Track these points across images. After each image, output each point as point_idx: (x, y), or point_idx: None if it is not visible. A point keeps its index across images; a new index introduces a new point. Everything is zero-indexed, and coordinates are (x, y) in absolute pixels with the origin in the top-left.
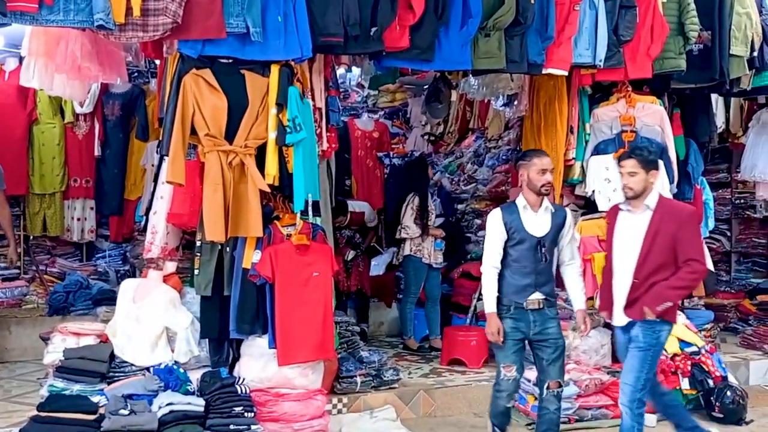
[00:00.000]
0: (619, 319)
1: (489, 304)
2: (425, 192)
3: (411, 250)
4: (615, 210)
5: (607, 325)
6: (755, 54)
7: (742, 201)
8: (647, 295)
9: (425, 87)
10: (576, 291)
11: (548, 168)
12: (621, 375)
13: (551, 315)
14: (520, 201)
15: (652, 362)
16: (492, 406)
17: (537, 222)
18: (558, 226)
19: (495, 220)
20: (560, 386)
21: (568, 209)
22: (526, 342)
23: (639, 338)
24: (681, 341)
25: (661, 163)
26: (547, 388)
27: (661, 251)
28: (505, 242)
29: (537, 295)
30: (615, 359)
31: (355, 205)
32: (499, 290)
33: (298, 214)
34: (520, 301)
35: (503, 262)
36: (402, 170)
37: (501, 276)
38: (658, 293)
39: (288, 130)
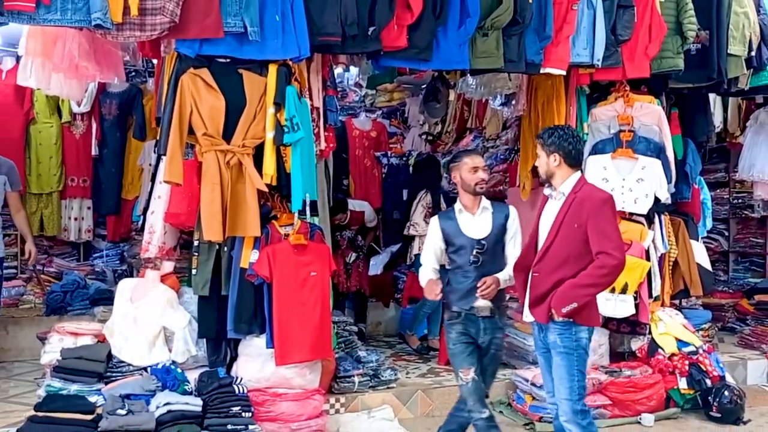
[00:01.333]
0: (529, 314)
1: (424, 279)
2: (438, 189)
3: (419, 249)
4: (544, 197)
5: (605, 325)
6: (753, 53)
7: (740, 200)
8: (554, 295)
9: (423, 86)
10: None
11: (480, 165)
12: (555, 391)
13: (500, 325)
14: (457, 205)
15: (580, 367)
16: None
17: (475, 224)
18: (501, 226)
19: (433, 227)
20: (486, 396)
21: (511, 207)
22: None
23: (557, 344)
24: (679, 341)
25: (656, 161)
26: None
27: (566, 243)
28: (447, 249)
29: (484, 302)
30: (613, 359)
31: (355, 204)
32: (446, 297)
33: (296, 214)
34: (467, 307)
35: (449, 268)
36: (414, 168)
37: (447, 282)
38: (562, 293)
39: (286, 129)
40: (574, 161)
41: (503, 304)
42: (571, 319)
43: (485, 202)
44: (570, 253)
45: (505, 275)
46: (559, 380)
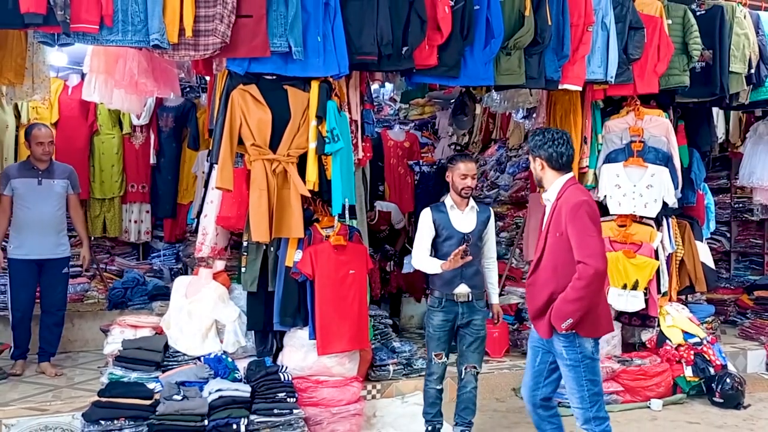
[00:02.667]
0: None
1: (436, 266)
2: None
3: None
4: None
5: (618, 318)
6: (752, 71)
7: (740, 205)
8: (551, 311)
9: (452, 101)
10: (491, 286)
11: (469, 173)
12: (569, 399)
13: (479, 307)
14: (448, 201)
15: (589, 377)
16: (425, 395)
17: (463, 220)
18: (483, 224)
19: (425, 218)
20: (476, 369)
21: (491, 209)
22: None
23: (563, 356)
24: (685, 333)
25: (665, 169)
26: (465, 369)
27: (553, 252)
28: (435, 238)
29: (464, 288)
30: (625, 349)
31: (382, 205)
32: (431, 283)
33: (336, 217)
34: (449, 292)
35: (435, 257)
36: (437, 172)
37: None
38: (557, 309)
39: (327, 140)
40: (559, 165)
41: (481, 291)
42: (574, 331)
43: (472, 202)
44: (558, 263)
45: (495, 298)
46: (570, 391)
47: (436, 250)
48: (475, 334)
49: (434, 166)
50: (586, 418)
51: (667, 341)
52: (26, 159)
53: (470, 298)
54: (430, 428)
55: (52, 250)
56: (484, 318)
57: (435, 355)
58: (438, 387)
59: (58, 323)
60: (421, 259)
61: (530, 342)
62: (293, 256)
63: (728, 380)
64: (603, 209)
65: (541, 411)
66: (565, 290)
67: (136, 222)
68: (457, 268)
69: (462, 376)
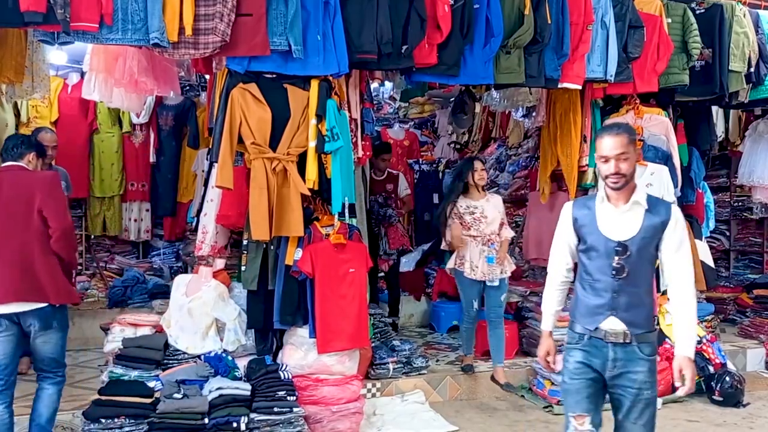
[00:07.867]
0: None
1: (545, 321)
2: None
3: (455, 263)
4: None
5: None
6: (752, 70)
7: (740, 203)
8: None
9: (451, 99)
10: (679, 329)
11: (611, 155)
12: None
13: (642, 355)
14: (600, 192)
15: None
16: None
17: (618, 221)
18: (654, 228)
19: (564, 216)
20: None
21: (675, 208)
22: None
23: None
24: None
25: (664, 167)
26: None
27: None
28: (577, 245)
29: (615, 323)
30: None
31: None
32: (570, 312)
33: (336, 216)
34: (591, 327)
35: (578, 273)
36: (459, 166)
37: (575, 292)
38: None
39: (326, 139)
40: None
41: (646, 331)
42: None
43: (638, 195)
44: None
45: (683, 350)
46: None
47: (582, 265)
48: (635, 394)
49: (434, 165)
50: None
51: (667, 339)
52: None
53: (627, 339)
54: None
55: None
56: (651, 371)
57: (573, 418)
58: None
59: None
60: (549, 286)
61: None
62: (293, 254)
63: (728, 378)
64: None
65: None
66: None
67: (136, 220)
68: (605, 295)
69: None
